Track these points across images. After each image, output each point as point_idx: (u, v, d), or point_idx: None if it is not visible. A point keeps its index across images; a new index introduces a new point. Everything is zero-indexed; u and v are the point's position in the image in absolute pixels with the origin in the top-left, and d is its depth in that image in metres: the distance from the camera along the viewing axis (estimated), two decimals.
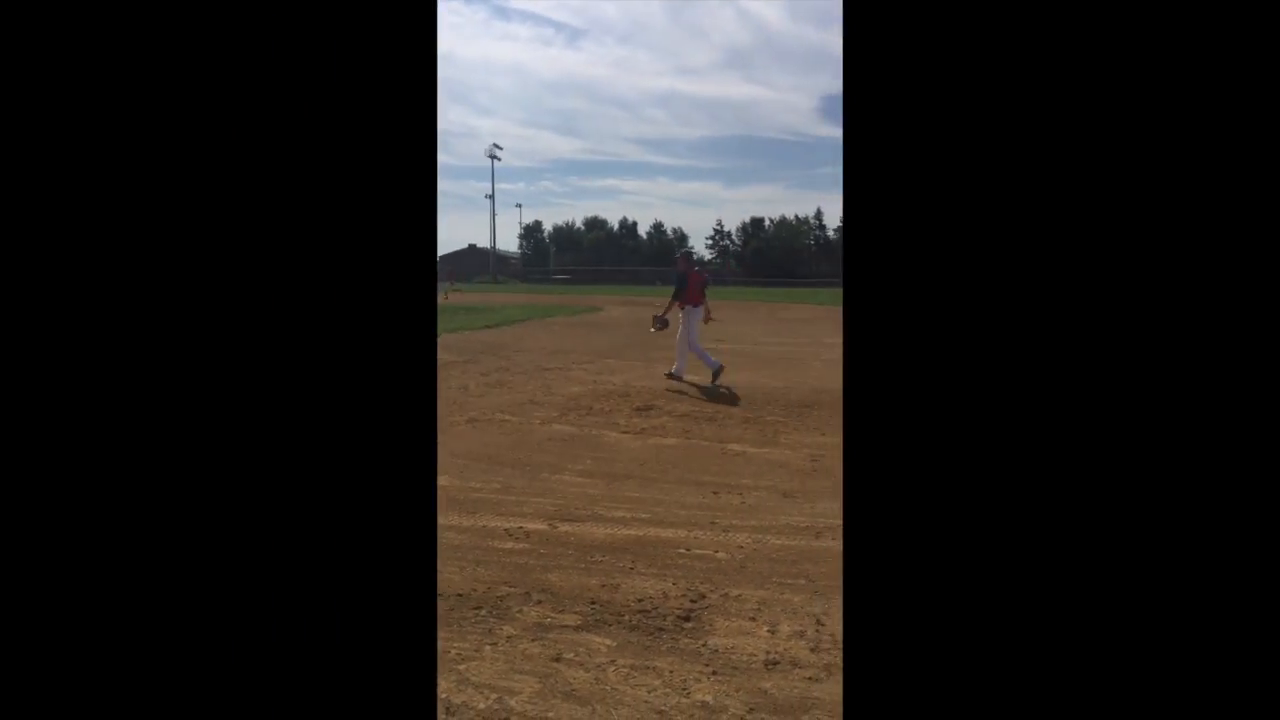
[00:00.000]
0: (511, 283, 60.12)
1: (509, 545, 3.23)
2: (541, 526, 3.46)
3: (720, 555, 3.13)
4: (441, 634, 2.40)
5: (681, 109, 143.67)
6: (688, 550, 3.19)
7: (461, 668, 2.20)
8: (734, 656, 2.30)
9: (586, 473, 4.41)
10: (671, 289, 8.26)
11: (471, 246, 75.69)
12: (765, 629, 2.48)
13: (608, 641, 2.38)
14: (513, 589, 2.77)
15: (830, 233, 72.24)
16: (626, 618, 2.55)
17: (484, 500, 3.84)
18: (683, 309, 8.00)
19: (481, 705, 2.02)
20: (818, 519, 3.59)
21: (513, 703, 2.03)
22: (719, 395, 7.07)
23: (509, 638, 2.40)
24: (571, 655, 2.29)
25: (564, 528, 3.45)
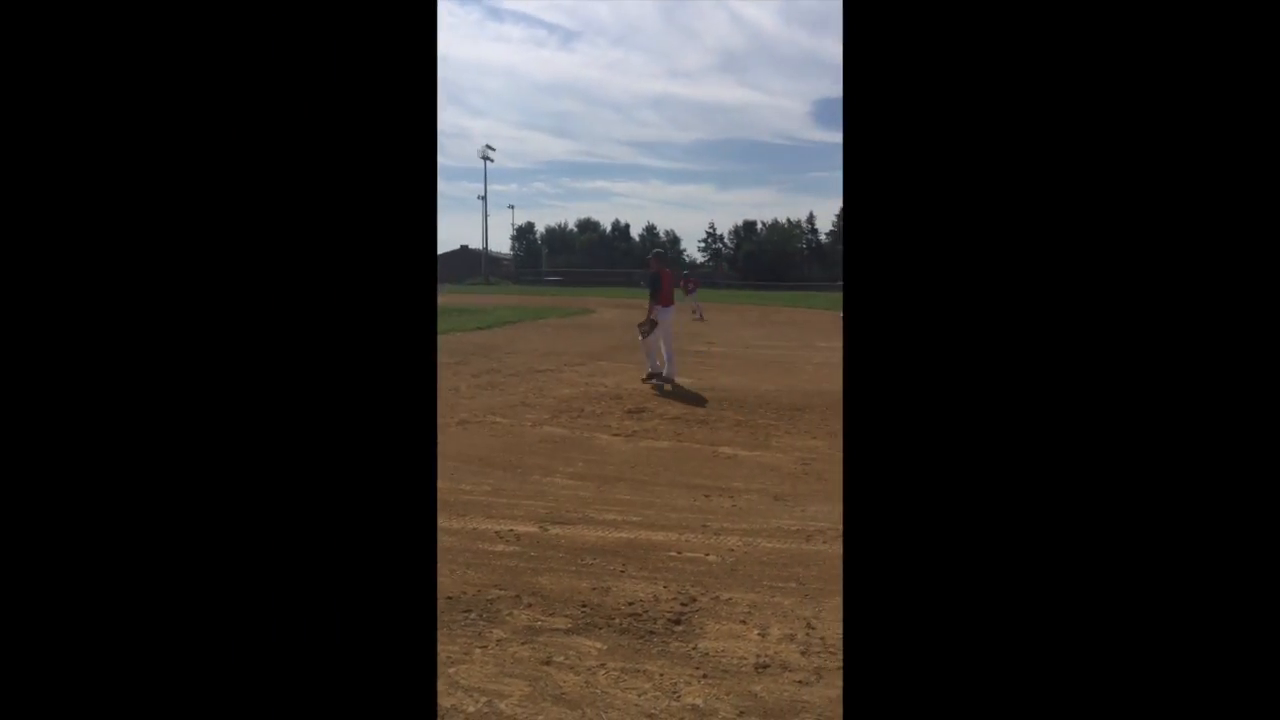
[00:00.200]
0: (504, 284, 60.01)
1: (499, 548, 3.22)
2: (532, 529, 3.45)
3: (711, 558, 3.14)
4: None
5: (675, 112, 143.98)
6: (679, 553, 3.19)
7: (451, 671, 2.20)
8: (724, 660, 2.30)
9: (578, 475, 4.40)
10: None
11: (464, 248, 75.57)
12: (756, 632, 2.48)
13: (598, 645, 2.38)
14: (503, 592, 2.76)
15: (822, 236, 72.51)
16: (617, 621, 2.55)
17: (475, 503, 3.83)
18: (658, 309, 8.03)
19: (471, 709, 2.01)
20: (808, 522, 3.60)
21: (502, 706, 2.02)
22: (708, 398, 7.07)
23: (499, 641, 2.39)
24: (562, 658, 2.29)
25: (555, 530, 3.44)
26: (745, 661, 2.29)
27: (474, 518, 3.59)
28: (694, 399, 7.01)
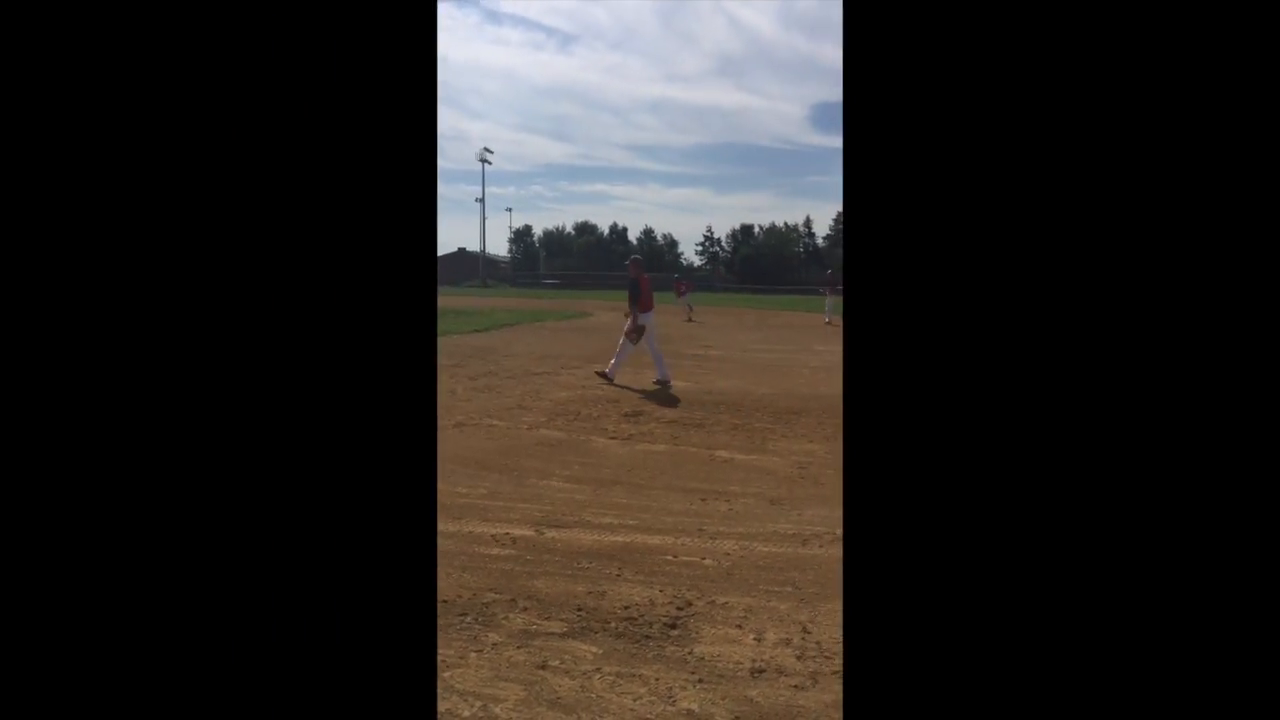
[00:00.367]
0: (501, 287, 59.99)
1: (495, 551, 3.21)
2: (528, 532, 3.44)
3: (707, 562, 3.13)
4: None
5: (673, 116, 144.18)
6: (675, 557, 3.18)
7: (446, 675, 2.19)
8: (720, 664, 2.29)
9: (574, 478, 4.40)
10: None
11: (461, 250, 75.52)
12: (751, 637, 2.48)
13: (594, 649, 2.37)
14: (499, 596, 2.75)
15: (820, 240, 72.61)
16: (613, 625, 2.54)
17: (471, 505, 3.82)
18: (639, 314, 8.07)
19: (466, 713, 2.00)
20: (805, 526, 3.60)
21: (498, 710, 2.02)
22: (705, 402, 7.07)
23: (494, 645, 2.38)
24: (557, 663, 2.28)
25: (551, 534, 3.43)
26: (741, 666, 2.28)
27: (470, 521, 3.58)
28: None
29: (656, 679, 2.20)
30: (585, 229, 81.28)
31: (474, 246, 74.31)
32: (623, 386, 7.82)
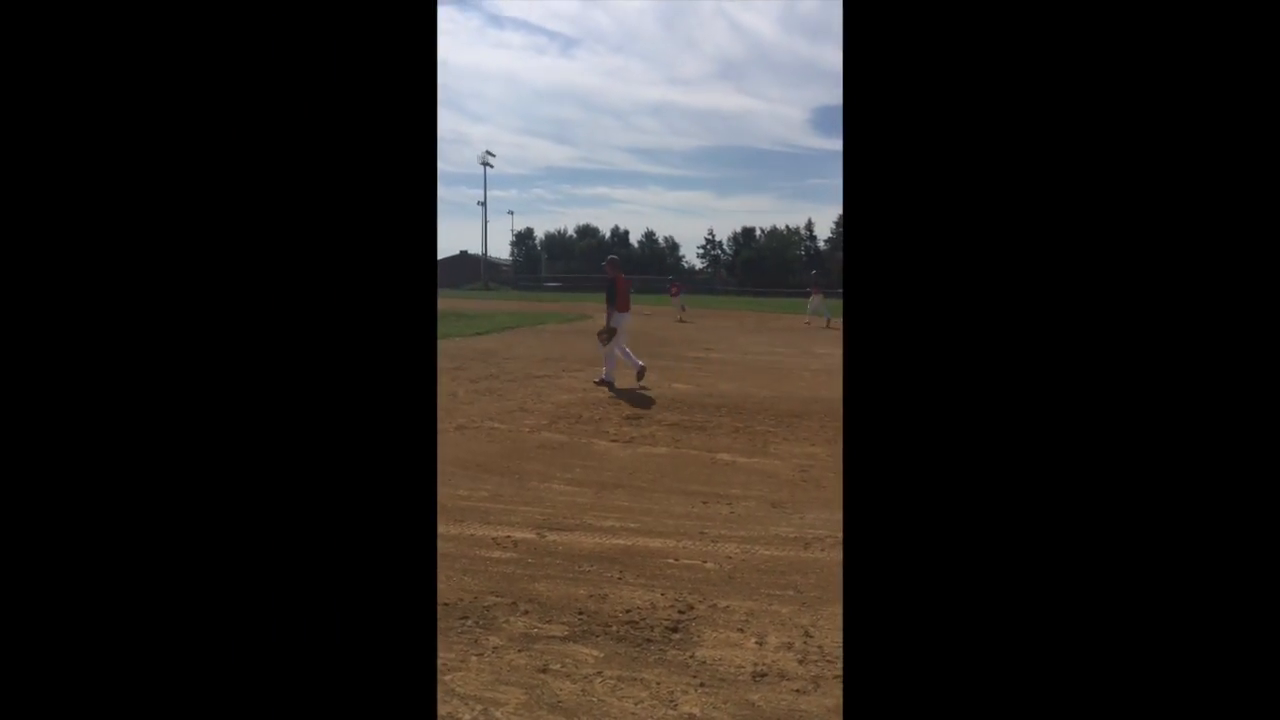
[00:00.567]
0: (503, 289, 60.04)
1: (496, 554, 3.20)
2: (529, 535, 3.44)
3: (709, 565, 3.12)
4: None
5: (674, 119, 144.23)
6: (676, 560, 3.18)
7: (447, 678, 2.18)
8: (721, 668, 2.29)
9: (575, 481, 4.39)
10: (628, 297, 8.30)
11: (463, 253, 75.59)
12: (753, 640, 2.47)
13: (595, 652, 2.37)
14: (500, 599, 2.75)
15: (821, 243, 72.61)
16: (614, 628, 2.54)
17: (472, 508, 3.81)
18: (615, 314, 8.09)
19: (467, 717, 2.00)
20: (806, 529, 3.59)
21: (498, 714, 2.01)
22: (706, 404, 7.06)
23: (495, 648, 2.38)
24: (558, 666, 2.27)
25: (552, 537, 3.43)
26: (742, 670, 2.27)
27: (471, 524, 3.58)
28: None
29: (658, 683, 2.19)
30: (587, 232, 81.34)
31: (476, 249, 74.42)
32: (626, 389, 7.82)
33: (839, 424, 6.00)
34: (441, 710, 2.02)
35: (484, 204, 78.00)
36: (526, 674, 2.22)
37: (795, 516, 3.80)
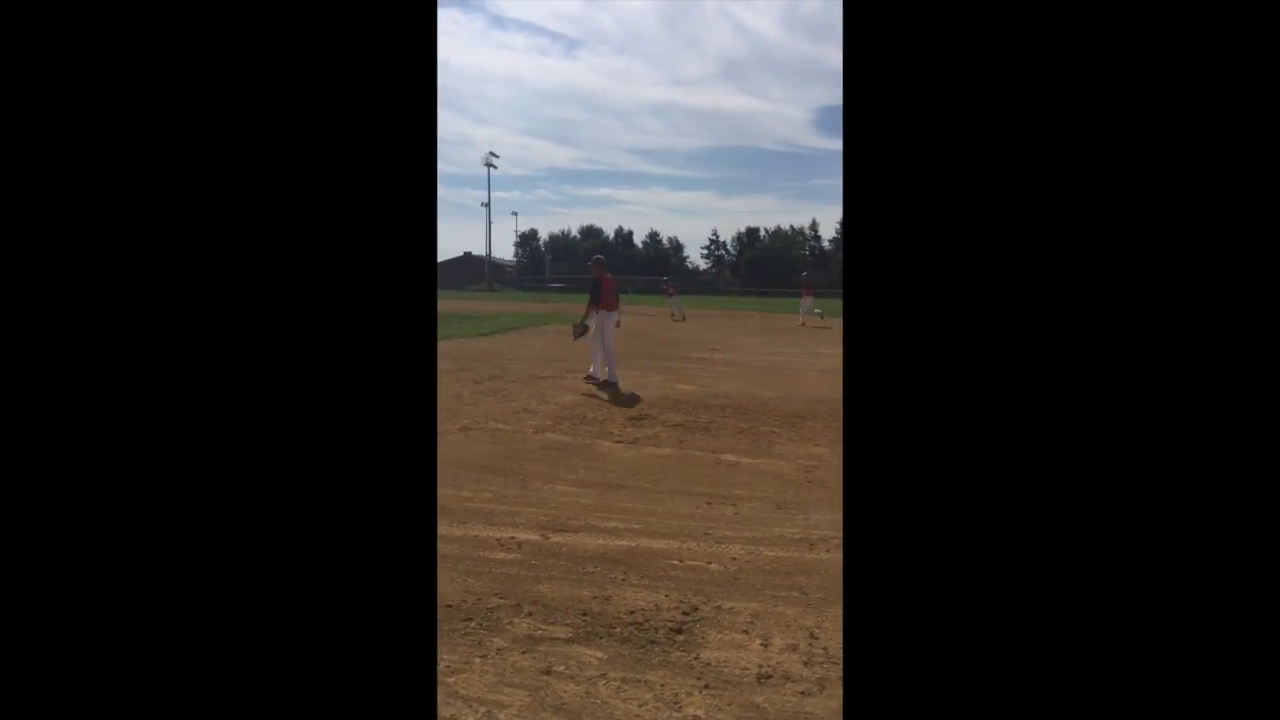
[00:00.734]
0: (507, 290, 60.15)
1: (500, 556, 3.20)
2: (533, 537, 3.43)
3: (713, 567, 3.11)
4: None
5: (677, 119, 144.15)
6: (680, 561, 3.17)
7: (451, 680, 2.18)
8: (726, 670, 2.28)
9: (579, 482, 4.39)
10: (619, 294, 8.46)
11: (467, 254, 75.70)
12: (758, 642, 2.46)
13: (599, 654, 2.36)
14: (503, 600, 2.74)
15: (825, 243, 72.54)
16: (618, 630, 2.53)
17: (476, 510, 3.81)
18: (596, 312, 8.20)
19: (471, 719, 1.99)
20: (811, 530, 3.58)
21: (502, 716, 2.00)
22: (710, 405, 7.05)
23: (499, 650, 2.37)
24: (562, 668, 2.27)
25: (556, 538, 3.42)
26: (747, 672, 2.26)
27: (475, 525, 3.57)
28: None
29: (662, 685, 2.18)
30: (591, 232, 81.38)
31: (480, 250, 74.52)
32: (631, 392, 7.81)
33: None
34: (445, 712, 2.02)
35: (488, 205, 77.98)
36: (530, 676, 2.22)
37: (800, 517, 3.79)
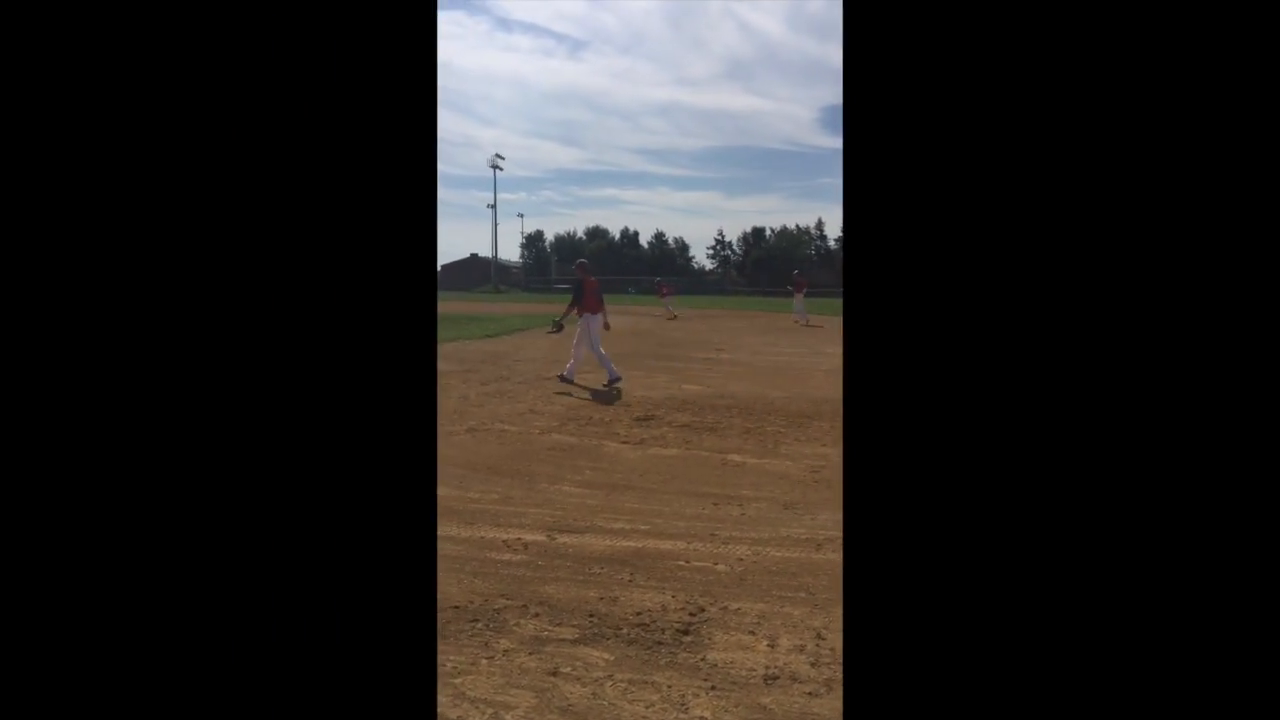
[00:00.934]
0: (513, 292, 60.23)
1: (507, 557, 3.20)
2: (540, 538, 3.43)
3: (720, 567, 3.11)
4: (438, 647, 2.38)
5: (682, 120, 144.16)
6: (687, 562, 3.16)
7: (457, 681, 2.18)
8: (733, 671, 2.27)
9: (586, 483, 4.39)
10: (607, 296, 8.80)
11: (473, 256, 75.84)
12: (765, 643, 2.45)
13: (605, 655, 2.36)
14: (510, 601, 2.74)
15: (831, 243, 72.38)
16: (625, 631, 2.53)
17: (482, 511, 3.82)
18: (580, 315, 8.36)
19: None
20: (818, 531, 3.57)
21: (509, 717, 2.00)
22: (717, 405, 7.04)
23: (506, 651, 2.37)
24: (569, 669, 2.27)
25: (562, 539, 3.42)
26: (754, 673, 2.26)
27: (482, 526, 3.58)
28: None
29: (669, 686, 2.18)
30: (596, 233, 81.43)
31: (486, 252, 74.62)
32: (639, 391, 7.81)
33: None
34: (452, 714, 2.02)
35: (494, 207, 78.01)
36: (537, 677, 2.22)
37: (807, 518, 3.78)
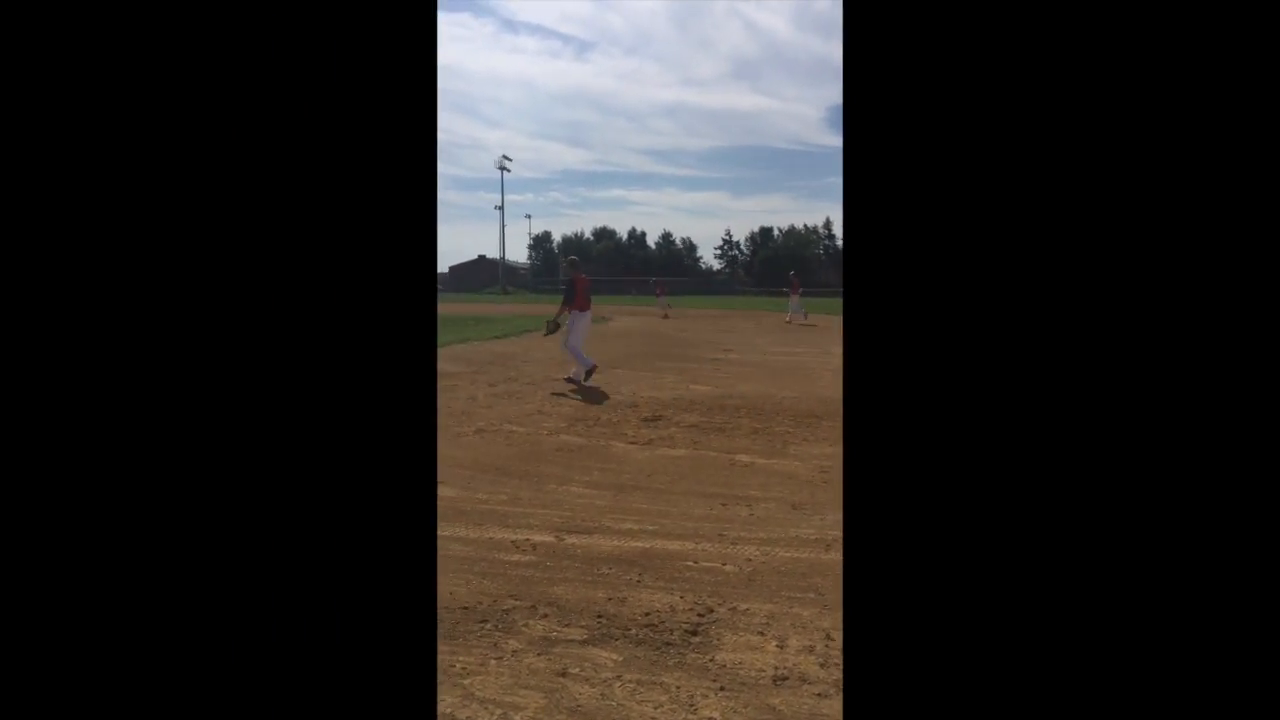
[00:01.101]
0: (521, 293, 60.34)
1: (515, 557, 3.21)
2: (548, 538, 3.44)
3: (728, 568, 3.10)
4: (446, 647, 2.38)
5: (689, 120, 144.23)
6: (695, 563, 3.16)
7: (466, 682, 2.18)
8: (742, 672, 2.26)
9: (594, 484, 4.39)
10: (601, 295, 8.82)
11: (481, 257, 76.08)
12: (774, 644, 2.44)
13: (614, 656, 2.36)
14: (519, 602, 2.75)
15: (839, 242, 72.14)
16: (633, 631, 2.52)
17: (491, 512, 3.82)
18: (570, 313, 8.46)
19: None
20: (827, 531, 3.55)
21: (517, 718, 2.01)
22: (725, 406, 7.03)
23: (514, 652, 2.38)
24: (577, 670, 2.26)
25: (571, 540, 3.42)
26: (763, 674, 2.25)
27: (490, 527, 3.58)
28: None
29: (678, 687, 2.17)
30: (604, 234, 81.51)
31: (494, 254, 74.83)
32: (648, 392, 7.81)
33: None
34: (461, 714, 2.02)
35: (501, 208, 78.30)
36: (546, 677, 2.22)
37: (815, 518, 3.77)
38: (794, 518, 3.78)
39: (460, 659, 2.31)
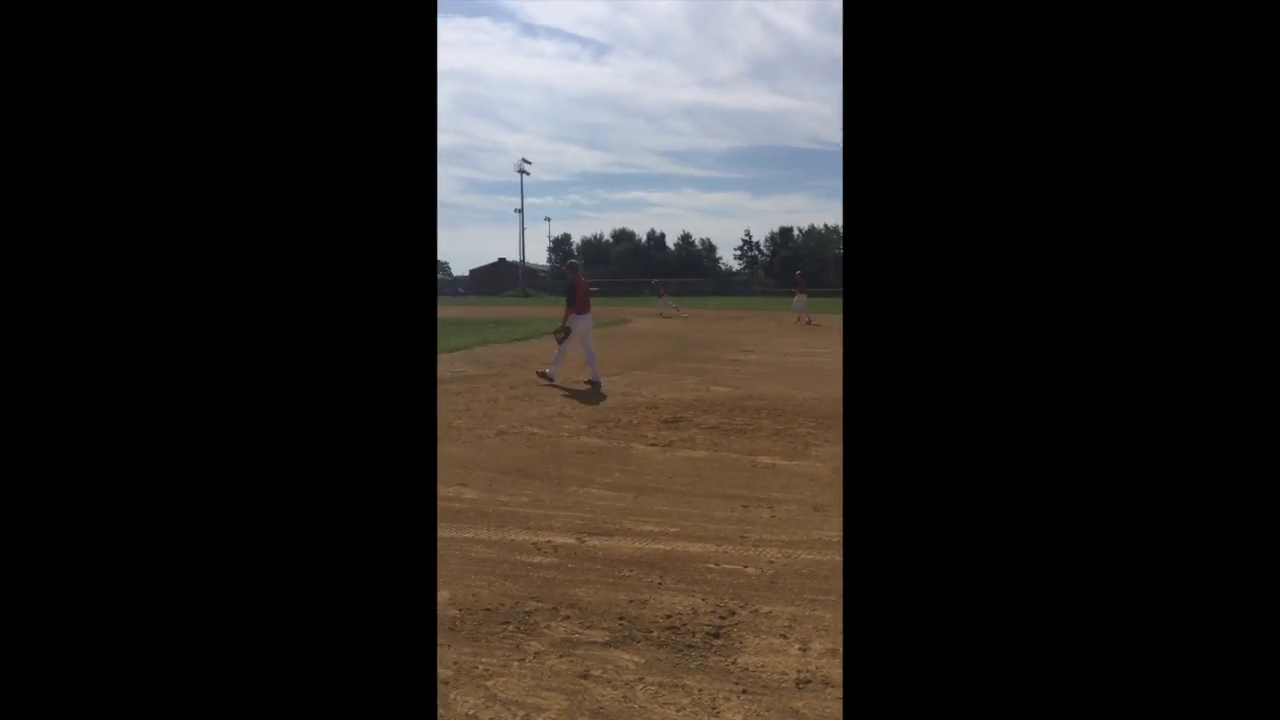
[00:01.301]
0: (541, 295, 60.62)
1: (537, 559, 3.22)
2: (569, 540, 3.44)
3: (750, 570, 3.09)
4: (469, 649, 2.40)
5: (707, 120, 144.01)
6: (717, 565, 3.15)
7: (489, 684, 2.19)
8: (764, 675, 2.25)
9: (615, 486, 4.39)
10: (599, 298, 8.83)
11: (501, 260, 76.56)
12: (796, 647, 2.43)
13: (636, 658, 2.36)
14: (540, 604, 2.76)
15: None
16: (655, 634, 2.52)
17: (512, 514, 3.84)
18: (571, 316, 8.53)
19: None
20: None
21: (540, 719, 2.01)
22: (745, 407, 7.00)
23: (536, 654, 2.38)
24: (599, 672, 2.27)
25: (592, 542, 3.43)
26: (786, 677, 2.24)
27: (511, 529, 3.60)
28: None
29: (700, 689, 2.17)
30: (623, 236, 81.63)
31: (514, 257, 75.26)
32: (668, 394, 7.80)
33: None
34: (484, 716, 2.03)
35: (521, 211, 78.58)
36: (568, 680, 2.22)
37: (838, 520, 3.73)
38: (816, 520, 3.75)
39: (483, 660, 2.33)
